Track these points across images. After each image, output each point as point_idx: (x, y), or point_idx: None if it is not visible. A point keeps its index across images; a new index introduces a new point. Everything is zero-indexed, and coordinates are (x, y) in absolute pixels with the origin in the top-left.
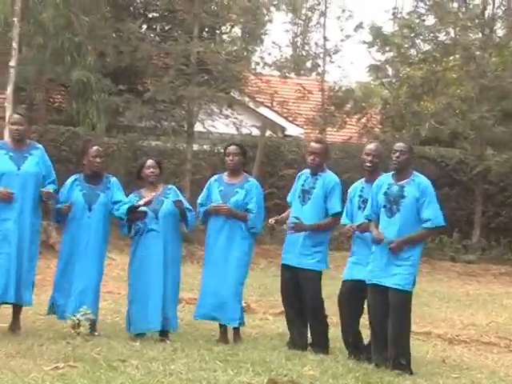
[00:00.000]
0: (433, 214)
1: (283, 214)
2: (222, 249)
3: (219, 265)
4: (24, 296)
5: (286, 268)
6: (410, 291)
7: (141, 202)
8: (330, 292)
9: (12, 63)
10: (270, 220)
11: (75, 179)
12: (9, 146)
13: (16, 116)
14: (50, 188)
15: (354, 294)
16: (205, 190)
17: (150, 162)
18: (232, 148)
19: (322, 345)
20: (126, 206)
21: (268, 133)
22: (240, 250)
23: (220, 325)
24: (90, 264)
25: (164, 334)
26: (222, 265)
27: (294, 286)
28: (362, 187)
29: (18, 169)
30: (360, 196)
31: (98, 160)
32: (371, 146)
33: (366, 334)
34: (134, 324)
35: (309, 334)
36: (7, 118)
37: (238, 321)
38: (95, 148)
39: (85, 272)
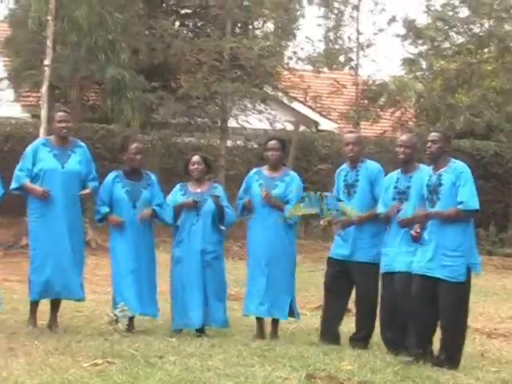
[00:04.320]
0: (466, 196)
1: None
2: (268, 242)
3: (268, 258)
4: (75, 291)
5: (335, 262)
6: (463, 282)
7: (184, 202)
8: None
9: (47, 62)
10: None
11: (115, 176)
12: (53, 143)
13: (62, 113)
14: (91, 186)
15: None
16: (244, 183)
17: (195, 158)
18: (273, 143)
19: (366, 341)
20: (171, 210)
21: (301, 128)
22: (287, 243)
23: (258, 320)
24: (144, 262)
25: (201, 329)
26: (271, 258)
27: (344, 280)
28: (398, 178)
29: (62, 167)
30: (395, 187)
31: (138, 157)
32: (404, 138)
33: None
34: (174, 321)
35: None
36: (42, 116)
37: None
38: (135, 145)
39: (141, 270)
